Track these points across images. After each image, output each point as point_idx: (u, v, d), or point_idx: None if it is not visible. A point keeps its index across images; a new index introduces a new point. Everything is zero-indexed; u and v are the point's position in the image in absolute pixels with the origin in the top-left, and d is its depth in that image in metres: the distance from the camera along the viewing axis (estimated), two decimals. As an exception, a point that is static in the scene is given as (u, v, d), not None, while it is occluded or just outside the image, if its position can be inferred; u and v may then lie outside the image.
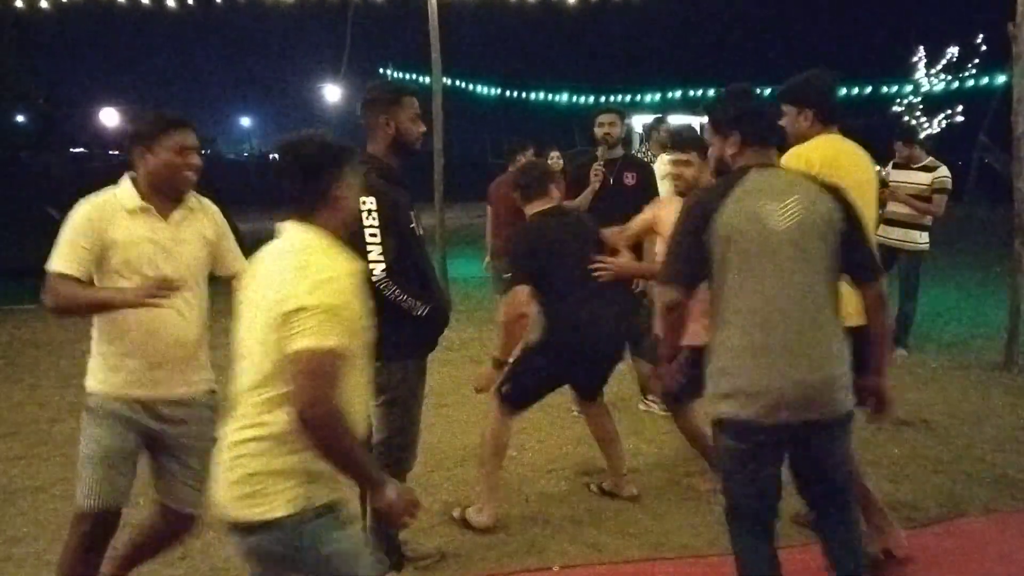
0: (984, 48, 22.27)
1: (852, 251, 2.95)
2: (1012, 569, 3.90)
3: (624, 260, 4.46)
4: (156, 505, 3.29)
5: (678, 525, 4.31)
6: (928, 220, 7.70)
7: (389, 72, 22.94)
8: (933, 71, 23.49)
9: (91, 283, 3.04)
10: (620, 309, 4.42)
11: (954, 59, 23.21)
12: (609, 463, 4.66)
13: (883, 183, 7.93)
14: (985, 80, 21.36)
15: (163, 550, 3.46)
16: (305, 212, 2.40)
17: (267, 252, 2.43)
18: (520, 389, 4.29)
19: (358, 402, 2.37)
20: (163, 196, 3.12)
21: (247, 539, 2.35)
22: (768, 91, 24.52)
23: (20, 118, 23.26)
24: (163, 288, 2.87)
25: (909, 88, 23.49)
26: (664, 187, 8.06)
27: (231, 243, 3.42)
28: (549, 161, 8.48)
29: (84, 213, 3.06)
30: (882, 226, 7.84)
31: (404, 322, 3.43)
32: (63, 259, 2.99)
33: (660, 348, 3.33)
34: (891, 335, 7.79)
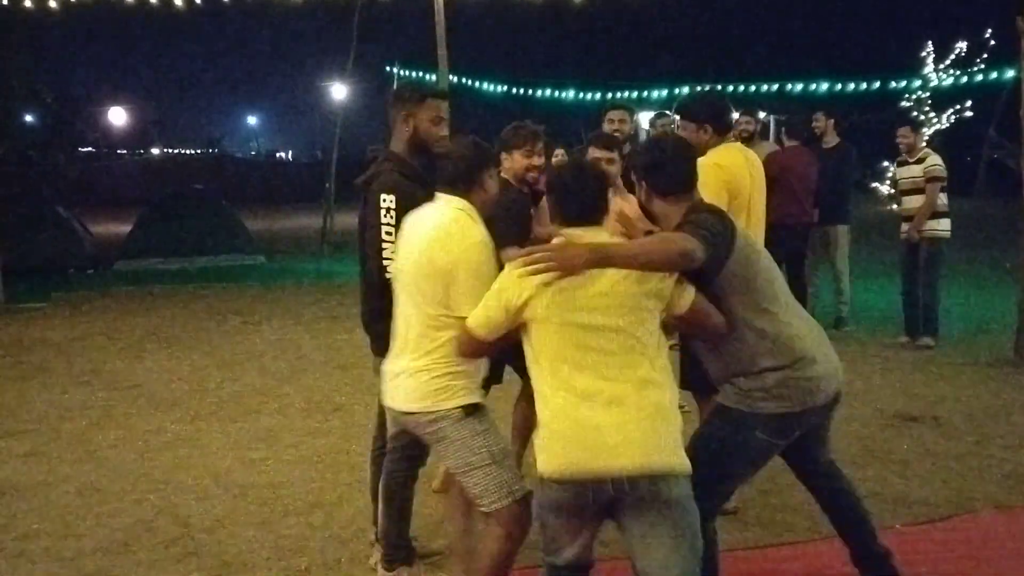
0: (993, 43, 22.14)
1: None
2: (1023, 565, 3.89)
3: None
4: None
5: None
6: (943, 206, 7.77)
7: (395, 70, 22.94)
8: (942, 66, 23.35)
9: None
10: None
11: (963, 54, 23.07)
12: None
13: (893, 183, 8.00)
14: (994, 75, 21.26)
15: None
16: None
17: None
18: None
19: None
20: None
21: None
22: (776, 87, 24.51)
23: (29, 117, 23.34)
24: None
25: (918, 83, 23.37)
26: None
27: None
28: (554, 160, 8.48)
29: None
30: (905, 223, 7.96)
31: None
32: None
33: None
34: (911, 321, 8.05)
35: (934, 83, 23.14)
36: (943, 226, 7.80)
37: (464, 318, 2.88)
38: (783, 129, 8.52)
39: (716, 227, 2.86)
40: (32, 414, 6.18)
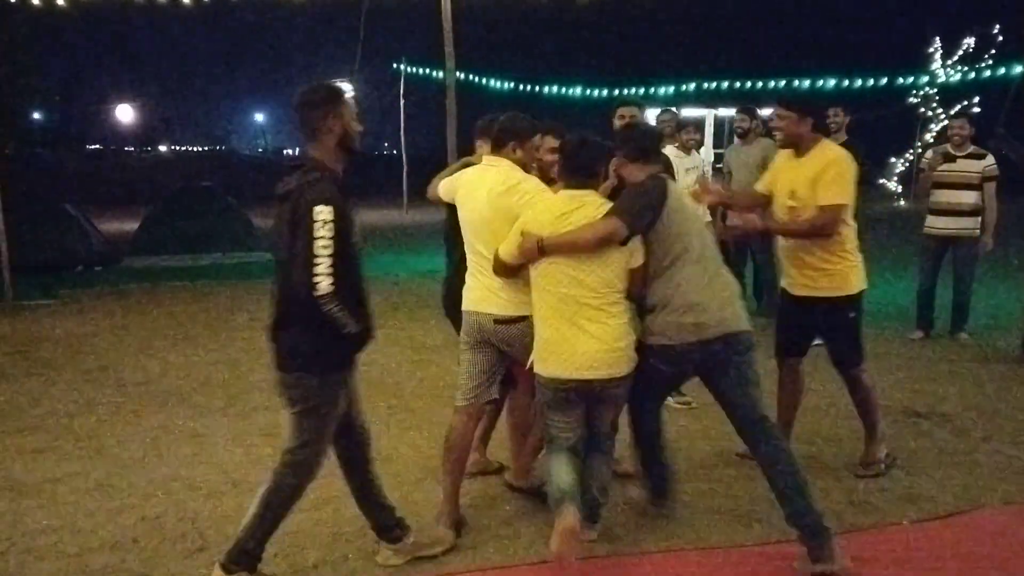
0: (1001, 39, 22.09)
1: None
2: (1030, 561, 3.88)
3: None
4: None
5: (692, 516, 4.30)
6: (979, 206, 7.81)
7: (402, 68, 22.97)
8: (949, 62, 23.30)
9: None
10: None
11: (970, 50, 23.02)
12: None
13: (932, 170, 7.92)
14: (1002, 71, 21.19)
15: None
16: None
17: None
18: None
19: None
20: None
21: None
22: (783, 83, 24.46)
23: (36, 115, 23.41)
24: None
25: (925, 79, 23.33)
26: (684, 180, 8.06)
27: None
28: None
29: None
30: (931, 217, 7.96)
31: (330, 337, 3.37)
32: None
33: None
34: (926, 317, 8.14)
35: (942, 79, 23.08)
36: (978, 224, 7.83)
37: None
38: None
39: (640, 202, 3.74)
40: (40, 411, 6.20)
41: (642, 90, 23.94)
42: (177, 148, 72.11)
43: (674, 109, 9.91)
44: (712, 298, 3.79)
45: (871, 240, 8.77)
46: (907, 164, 23.55)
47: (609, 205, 3.75)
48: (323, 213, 3.23)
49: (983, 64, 22.46)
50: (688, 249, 3.78)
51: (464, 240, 4.16)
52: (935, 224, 7.97)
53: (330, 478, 4.83)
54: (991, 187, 7.74)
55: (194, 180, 21.74)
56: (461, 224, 4.16)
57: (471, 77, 23.66)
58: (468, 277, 4.14)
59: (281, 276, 3.40)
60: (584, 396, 3.79)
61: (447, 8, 10.33)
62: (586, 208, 3.73)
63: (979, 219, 7.83)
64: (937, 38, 23.43)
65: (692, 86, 24.96)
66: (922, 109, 23.23)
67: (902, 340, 8.07)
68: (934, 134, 23.04)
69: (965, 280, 8.01)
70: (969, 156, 7.79)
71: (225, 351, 8.04)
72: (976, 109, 21.52)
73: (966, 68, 22.95)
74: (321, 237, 3.22)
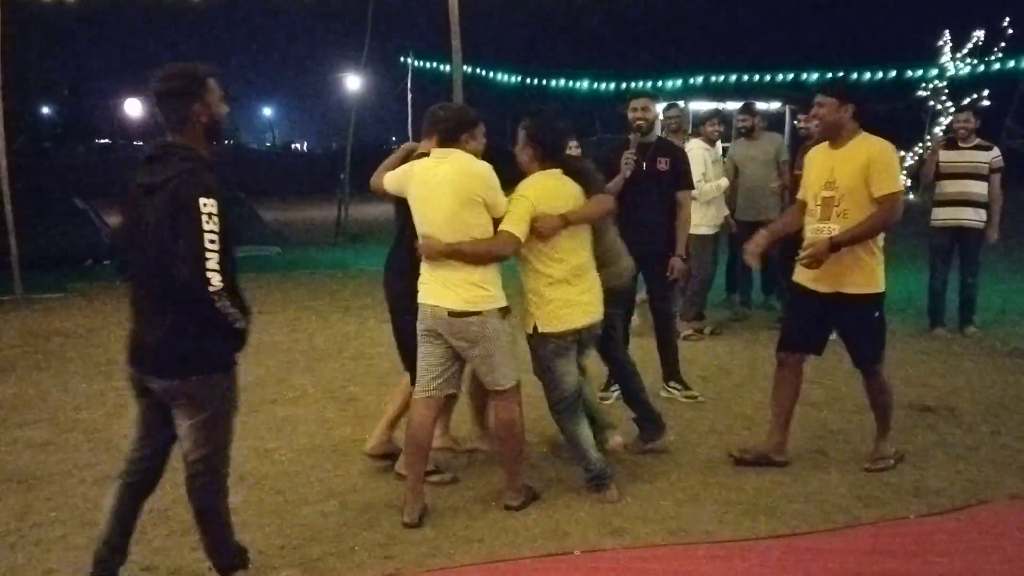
0: (1011, 32, 21.95)
1: None
2: (1038, 555, 3.87)
3: None
4: None
5: (700, 511, 4.30)
6: (985, 198, 7.79)
7: (410, 61, 22.95)
8: (959, 55, 23.16)
9: None
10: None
11: (980, 43, 22.87)
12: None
13: (936, 162, 7.89)
14: (1011, 64, 21.06)
15: None
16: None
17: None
18: None
19: None
20: None
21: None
22: (791, 76, 24.32)
23: (46, 110, 23.48)
24: None
25: (934, 72, 23.19)
26: (712, 172, 7.98)
27: None
28: (568, 151, 8.46)
29: None
30: (937, 209, 7.92)
31: (221, 334, 3.20)
32: None
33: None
34: (942, 313, 8.07)
35: (951, 72, 22.96)
36: (984, 217, 7.80)
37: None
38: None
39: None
40: (49, 404, 6.23)
41: (649, 83, 23.86)
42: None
43: (681, 103, 9.87)
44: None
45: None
46: (916, 158, 23.45)
47: (571, 183, 4.37)
48: (208, 206, 3.05)
49: (993, 57, 22.33)
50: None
51: (419, 233, 4.17)
52: (942, 215, 7.92)
53: (336, 471, 4.86)
54: (996, 179, 7.72)
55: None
56: (417, 217, 4.17)
57: (478, 71, 23.63)
58: (423, 272, 4.19)
59: (156, 275, 3.13)
60: (579, 340, 4.41)
61: (454, 2, 10.30)
62: (567, 183, 4.35)
63: (984, 211, 7.79)
64: (947, 31, 23.29)
65: (700, 79, 24.88)
66: (931, 102, 23.08)
67: (910, 334, 8.04)
68: (943, 128, 22.93)
69: (972, 273, 7.97)
70: (976, 148, 7.77)
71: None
72: (985, 102, 21.42)
73: (975, 61, 22.81)
74: (210, 231, 3.04)
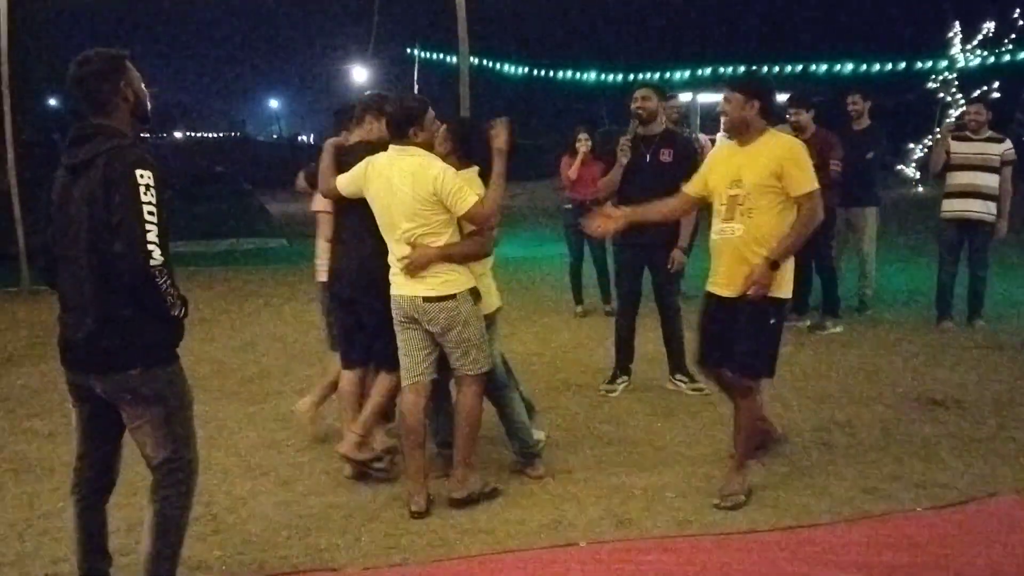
0: (1021, 23, 21.83)
1: None
2: (1045, 549, 3.86)
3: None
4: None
5: (705, 502, 4.30)
6: (996, 191, 7.69)
7: (416, 52, 22.94)
8: (969, 47, 23.05)
9: None
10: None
11: (990, 34, 22.77)
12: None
13: (946, 151, 7.81)
14: (1022, 56, 20.94)
15: None
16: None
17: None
18: None
19: None
20: None
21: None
22: (800, 68, 24.20)
23: (52, 101, 23.51)
24: None
25: (944, 64, 23.10)
26: None
27: None
28: (577, 144, 8.47)
29: None
30: (948, 200, 7.81)
31: (165, 321, 3.03)
32: None
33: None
34: (950, 305, 7.91)
35: (961, 64, 22.85)
36: (994, 209, 7.71)
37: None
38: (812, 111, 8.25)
39: None
40: (56, 395, 6.23)
41: (657, 75, 23.81)
42: (192, 134, 72.28)
43: (680, 96, 9.74)
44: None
45: (888, 225, 8.76)
46: (925, 150, 23.36)
47: (481, 186, 4.34)
48: (145, 177, 2.88)
49: (1003, 49, 22.22)
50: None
51: (385, 228, 4.23)
52: (952, 207, 7.80)
53: (340, 463, 4.87)
54: (1008, 171, 7.66)
55: (209, 166, 21.80)
56: (379, 214, 4.22)
57: (484, 62, 23.59)
58: (392, 264, 4.24)
59: (88, 258, 2.94)
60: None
61: (461, -8, 10.28)
62: (477, 185, 4.36)
63: (995, 204, 7.69)
64: (957, 22, 23.17)
65: (708, 71, 24.81)
66: (941, 94, 22.98)
67: (917, 327, 8.01)
68: (953, 119, 22.84)
69: (981, 267, 7.91)
70: (988, 140, 7.69)
71: (240, 336, 8.07)
72: (995, 94, 21.33)
73: (986, 53, 22.70)
74: (148, 203, 2.87)
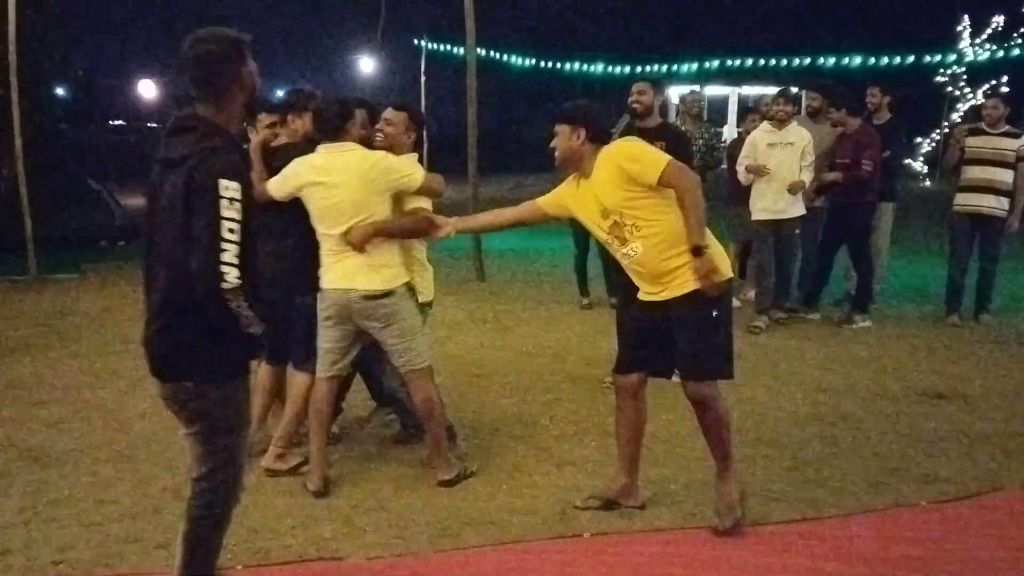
0: (1031, 17, 21.77)
1: None
2: (1049, 544, 3.86)
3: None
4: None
5: (710, 495, 4.29)
6: (1009, 186, 7.62)
7: (424, 43, 22.89)
8: (978, 40, 22.97)
9: None
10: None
11: (999, 28, 22.68)
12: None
13: (960, 148, 7.77)
14: (1032, 49, 20.86)
15: None
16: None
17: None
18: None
19: None
20: None
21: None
22: (808, 61, 24.11)
23: (60, 91, 23.54)
24: None
25: (953, 58, 23.02)
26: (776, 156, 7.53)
27: None
28: None
29: None
30: (960, 194, 7.76)
31: (232, 337, 2.83)
32: None
33: None
34: (959, 300, 7.86)
35: (970, 58, 22.76)
36: (1006, 205, 7.65)
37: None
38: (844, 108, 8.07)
39: None
40: (63, 383, 6.27)
41: (665, 67, 23.74)
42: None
43: (698, 88, 9.76)
44: None
45: (899, 220, 8.72)
46: (933, 144, 23.27)
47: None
48: (230, 189, 2.66)
49: (1012, 43, 22.13)
50: None
51: (325, 225, 4.25)
52: (966, 201, 7.75)
53: (348, 453, 4.88)
54: None
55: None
56: (319, 212, 4.25)
57: (492, 53, 23.55)
58: (326, 259, 4.28)
59: (167, 263, 2.77)
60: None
61: (469, -16, 10.26)
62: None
63: (1007, 200, 7.66)
64: (966, 16, 23.08)
65: (716, 63, 24.73)
66: (949, 88, 22.92)
67: (924, 321, 8.00)
68: (961, 114, 22.75)
69: (991, 261, 7.87)
70: (1004, 135, 7.63)
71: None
72: (1004, 89, 21.24)
73: (995, 47, 22.62)
74: (229, 219, 2.66)
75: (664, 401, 5.76)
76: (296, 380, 4.63)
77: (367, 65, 29.91)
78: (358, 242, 4.17)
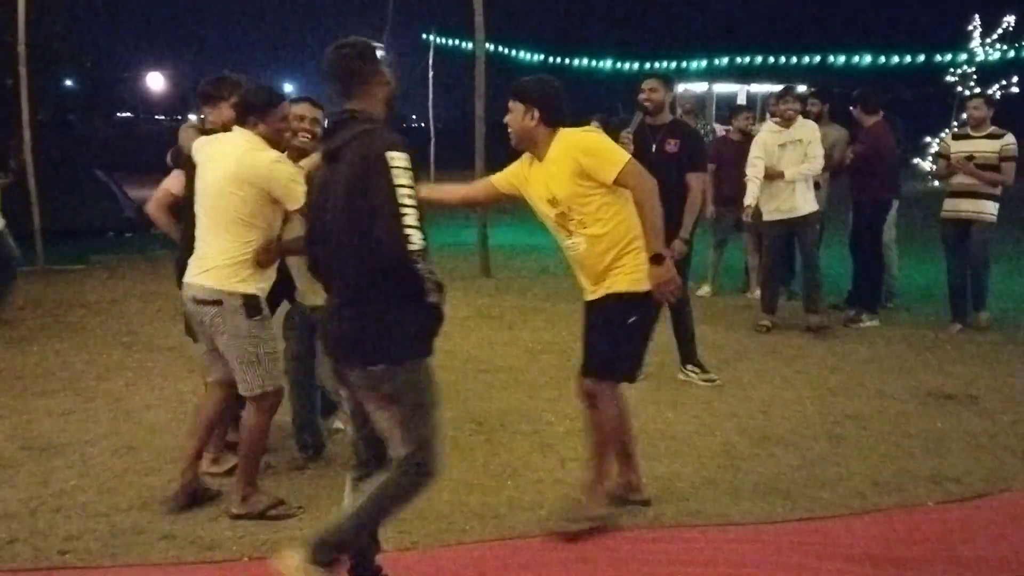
0: (1042, 16, 21.67)
1: None
2: (1056, 545, 3.85)
3: None
4: None
5: (716, 493, 4.30)
6: (999, 190, 7.42)
7: (432, 38, 22.85)
8: (988, 40, 22.85)
9: None
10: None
11: (1011, 28, 22.57)
12: None
13: (943, 155, 7.68)
14: (1043, 49, 20.75)
15: None
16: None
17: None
18: None
19: None
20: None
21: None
22: (818, 59, 24.04)
23: (68, 82, 23.57)
24: None
25: (963, 57, 22.91)
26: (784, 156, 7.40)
27: None
28: None
29: None
30: (948, 200, 7.61)
31: (420, 310, 2.91)
32: None
33: None
34: (961, 307, 7.67)
35: (980, 57, 22.66)
36: (995, 209, 7.45)
37: None
38: (858, 104, 7.90)
39: None
40: (70, 374, 6.29)
41: (674, 64, 23.67)
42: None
43: (694, 86, 9.56)
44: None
45: (904, 219, 8.69)
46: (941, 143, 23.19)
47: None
48: (397, 159, 2.83)
49: (1023, 43, 22.01)
50: None
51: (196, 210, 3.96)
52: (952, 207, 7.55)
53: (352, 449, 4.88)
54: (1009, 167, 7.31)
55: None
56: (197, 193, 3.95)
57: (500, 48, 23.51)
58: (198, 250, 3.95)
59: (351, 247, 2.91)
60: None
61: (478, -22, 10.25)
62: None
63: (997, 204, 7.40)
64: (976, 15, 22.97)
65: (725, 60, 24.66)
66: (959, 88, 22.81)
67: (931, 321, 7.97)
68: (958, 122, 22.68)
69: (979, 264, 7.61)
70: (987, 137, 7.39)
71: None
72: (1015, 88, 21.14)
73: (1006, 47, 22.50)
74: (403, 186, 2.81)
75: (669, 399, 5.76)
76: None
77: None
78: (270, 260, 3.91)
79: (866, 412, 5.54)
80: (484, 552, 3.74)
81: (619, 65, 24.94)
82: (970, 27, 22.75)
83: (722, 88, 25.11)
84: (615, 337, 3.82)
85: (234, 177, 3.77)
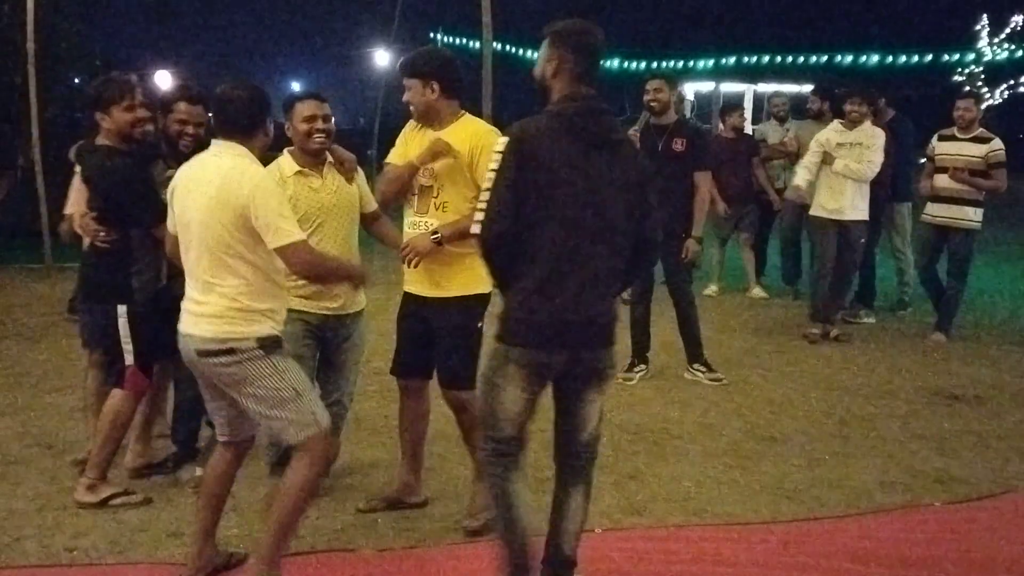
0: (1051, 16, 21.63)
1: None
2: (1063, 546, 3.84)
3: None
4: None
5: (721, 492, 4.30)
6: (982, 195, 7.08)
7: (439, 37, 22.90)
8: (996, 40, 22.82)
9: None
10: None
11: (1018, 28, 22.53)
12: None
13: (928, 157, 7.53)
14: (1051, 50, 20.71)
15: None
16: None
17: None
18: None
19: None
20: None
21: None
22: (825, 59, 23.97)
23: (77, 80, 23.63)
24: None
25: (971, 57, 22.88)
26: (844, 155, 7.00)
27: None
28: None
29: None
30: (930, 204, 7.32)
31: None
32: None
33: None
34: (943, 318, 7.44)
35: (988, 57, 22.62)
36: (978, 216, 7.08)
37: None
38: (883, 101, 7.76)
39: None
40: (78, 371, 6.27)
41: (680, 63, 23.66)
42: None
43: (679, 86, 9.49)
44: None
45: (910, 220, 8.67)
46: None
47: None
48: (497, 144, 3.04)
49: (1031, 43, 21.99)
50: None
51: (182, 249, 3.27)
52: (934, 212, 7.23)
53: (359, 445, 4.90)
54: (1001, 173, 6.97)
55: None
56: (180, 232, 3.27)
57: (508, 48, 23.53)
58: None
59: (618, 233, 3.00)
60: None
61: (485, -23, 10.23)
62: None
63: (980, 210, 7.06)
64: (985, 15, 22.94)
65: (732, 60, 24.64)
66: (967, 88, 22.76)
67: (934, 323, 7.94)
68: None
69: (957, 276, 7.28)
70: (974, 139, 7.06)
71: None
72: (1023, 88, 21.10)
73: (1014, 47, 22.46)
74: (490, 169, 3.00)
75: (675, 398, 5.76)
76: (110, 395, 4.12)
77: (383, 58, 29.89)
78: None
79: (873, 412, 5.53)
80: (490, 551, 3.71)
81: (626, 64, 24.92)
82: (978, 27, 22.69)
83: (729, 87, 25.09)
84: (468, 346, 3.78)
85: (223, 208, 3.14)
